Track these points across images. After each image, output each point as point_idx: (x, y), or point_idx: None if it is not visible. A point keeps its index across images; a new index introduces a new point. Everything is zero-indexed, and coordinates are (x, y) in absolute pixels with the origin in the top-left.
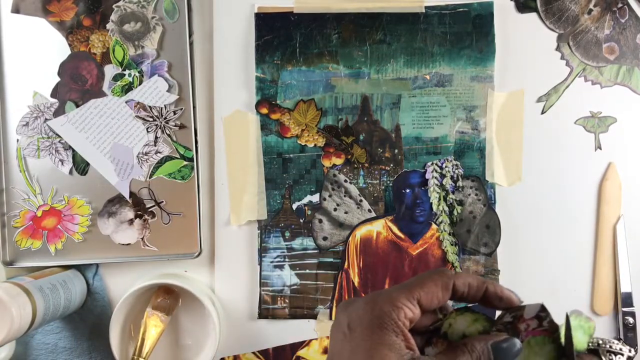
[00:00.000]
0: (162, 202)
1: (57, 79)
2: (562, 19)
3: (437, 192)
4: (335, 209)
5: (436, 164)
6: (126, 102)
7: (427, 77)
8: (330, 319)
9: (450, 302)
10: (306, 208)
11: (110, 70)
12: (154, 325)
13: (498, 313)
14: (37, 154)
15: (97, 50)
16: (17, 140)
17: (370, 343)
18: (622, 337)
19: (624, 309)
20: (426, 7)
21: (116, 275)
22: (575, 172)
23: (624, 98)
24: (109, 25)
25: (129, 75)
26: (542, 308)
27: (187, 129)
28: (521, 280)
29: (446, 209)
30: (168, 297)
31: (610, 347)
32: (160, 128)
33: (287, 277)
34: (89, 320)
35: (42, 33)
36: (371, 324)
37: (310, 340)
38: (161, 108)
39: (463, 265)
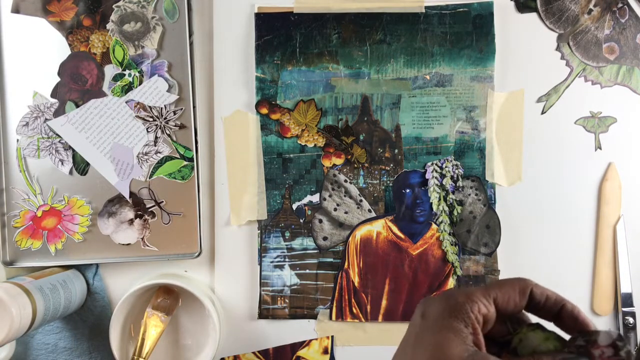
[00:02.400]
0: (162, 202)
1: (57, 79)
2: (562, 19)
3: (437, 192)
4: (335, 209)
5: (436, 164)
6: (126, 102)
7: (427, 77)
8: (330, 319)
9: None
10: (306, 208)
11: (110, 70)
12: (154, 325)
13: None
14: (37, 154)
15: (97, 50)
16: (17, 140)
17: (438, 327)
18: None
19: (624, 309)
20: (426, 7)
21: (116, 275)
22: (575, 172)
23: (624, 98)
24: (109, 25)
25: (129, 75)
26: (620, 337)
27: (187, 129)
28: None
29: (446, 209)
30: (168, 297)
31: None
32: (160, 128)
33: (287, 277)
34: (89, 320)
35: (42, 33)
36: (443, 312)
37: (310, 340)
38: (161, 108)
39: (463, 265)
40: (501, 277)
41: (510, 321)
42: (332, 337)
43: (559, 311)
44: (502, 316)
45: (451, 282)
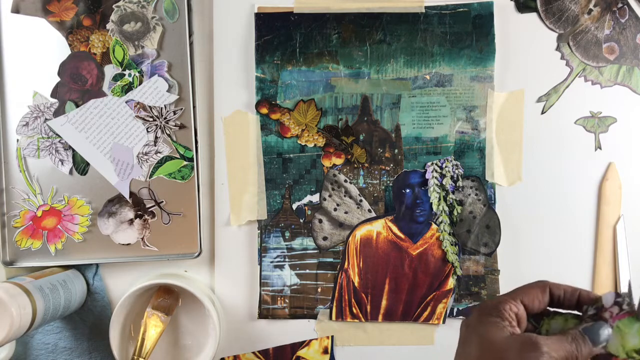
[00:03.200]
0: (162, 202)
1: (57, 79)
2: (562, 19)
3: (437, 192)
4: (335, 209)
5: (436, 164)
6: (126, 102)
7: (427, 77)
8: (330, 319)
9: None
10: (306, 208)
11: (110, 70)
12: (154, 325)
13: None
14: (37, 154)
15: (97, 50)
16: (17, 140)
17: (479, 325)
18: None
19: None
20: (426, 7)
21: (116, 275)
22: (575, 172)
23: (624, 98)
24: (109, 25)
25: (129, 75)
26: (617, 294)
27: (187, 129)
28: (521, 280)
29: (446, 209)
30: (168, 297)
31: None
32: (160, 128)
33: (287, 277)
34: (89, 320)
35: (42, 33)
36: (480, 315)
37: (310, 340)
38: (161, 108)
39: (463, 265)
40: (501, 277)
41: (533, 319)
42: (332, 337)
43: (577, 299)
44: (527, 316)
45: (451, 282)
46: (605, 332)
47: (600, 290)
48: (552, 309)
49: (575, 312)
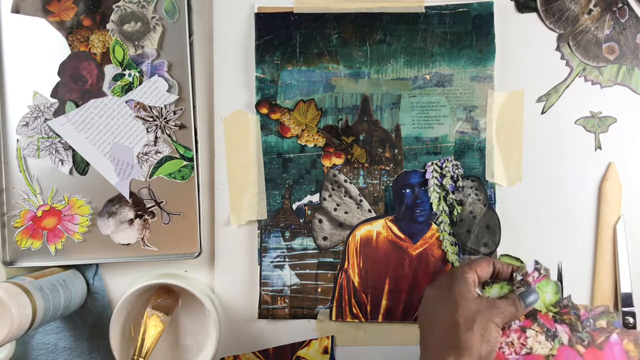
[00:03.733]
0: (162, 202)
1: (57, 79)
2: (562, 19)
3: (437, 192)
4: (335, 209)
5: (436, 164)
6: (126, 102)
7: (427, 77)
8: (330, 319)
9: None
10: (306, 208)
11: (110, 70)
12: (154, 325)
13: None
14: (37, 154)
15: (97, 50)
16: (17, 140)
17: (452, 286)
18: None
19: (624, 309)
20: (426, 7)
21: (116, 275)
22: (575, 172)
23: (624, 98)
24: (109, 25)
25: (129, 75)
26: (536, 262)
27: (187, 129)
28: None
29: (446, 209)
30: (168, 297)
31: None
32: (160, 128)
33: (287, 277)
34: (89, 320)
35: (42, 33)
36: (452, 280)
37: (310, 340)
38: (161, 108)
39: None
40: None
41: (481, 284)
42: (332, 337)
43: (511, 273)
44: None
45: None
46: (534, 295)
47: (601, 290)
48: (489, 280)
49: (506, 282)
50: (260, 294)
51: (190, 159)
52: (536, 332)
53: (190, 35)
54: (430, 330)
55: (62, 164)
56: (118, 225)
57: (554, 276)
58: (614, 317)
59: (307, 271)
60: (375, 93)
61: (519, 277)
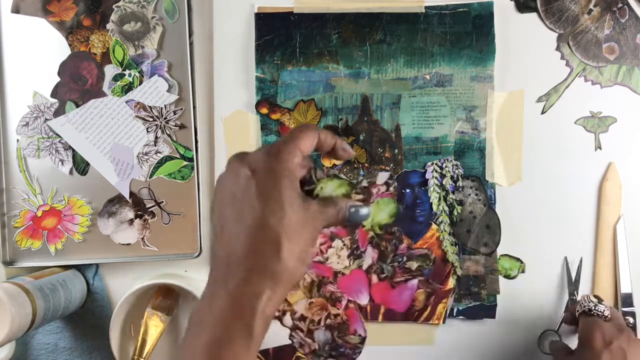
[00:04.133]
0: (162, 202)
1: (57, 79)
2: (562, 19)
3: (437, 192)
4: None
5: (436, 164)
6: (126, 102)
7: (427, 77)
8: None
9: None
10: None
11: (110, 70)
12: (154, 325)
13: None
14: (37, 154)
15: (97, 50)
16: (17, 140)
17: (273, 172)
18: None
19: (624, 309)
20: (426, 7)
21: (116, 275)
22: (575, 172)
23: (624, 98)
24: (109, 25)
25: (129, 75)
26: (390, 176)
27: (187, 129)
28: (521, 280)
29: (446, 209)
30: (168, 297)
31: None
32: (160, 128)
33: None
34: (89, 320)
35: (42, 33)
36: (272, 167)
37: None
38: (161, 108)
39: (463, 265)
40: (501, 277)
41: (315, 173)
42: None
43: (334, 145)
44: (308, 166)
45: (451, 282)
46: (365, 212)
47: (601, 290)
48: (333, 174)
49: (347, 182)
50: None
51: (190, 159)
52: (343, 245)
53: (190, 35)
54: (235, 235)
55: (62, 164)
56: (118, 225)
57: (556, 273)
58: (429, 265)
59: None
60: (375, 93)
61: (364, 183)
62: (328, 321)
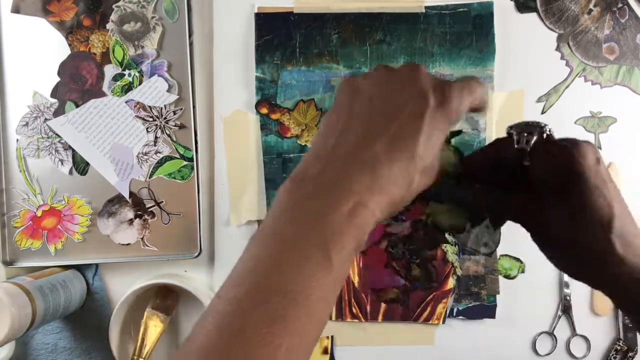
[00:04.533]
0: (162, 202)
1: (57, 79)
2: (562, 19)
3: None
4: None
5: None
6: (126, 102)
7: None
8: (330, 319)
9: None
10: None
11: (110, 70)
12: (154, 325)
13: None
14: (37, 154)
15: (97, 50)
16: (17, 140)
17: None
18: (622, 337)
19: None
20: (426, 7)
21: (116, 275)
22: None
23: (624, 98)
24: (109, 25)
25: (129, 75)
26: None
27: (187, 129)
28: (521, 280)
29: None
30: (168, 297)
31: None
32: (160, 128)
33: None
34: (89, 320)
35: (42, 33)
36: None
37: None
38: (161, 108)
39: (463, 265)
40: (501, 277)
41: None
42: (332, 337)
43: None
44: None
45: (451, 282)
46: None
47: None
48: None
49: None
50: None
51: (190, 159)
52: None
53: (190, 35)
54: (370, 113)
55: (62, 164)
56: (118, 225)
57: (556, 273)
58: (423, 281)
59: None
60: None
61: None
62: None
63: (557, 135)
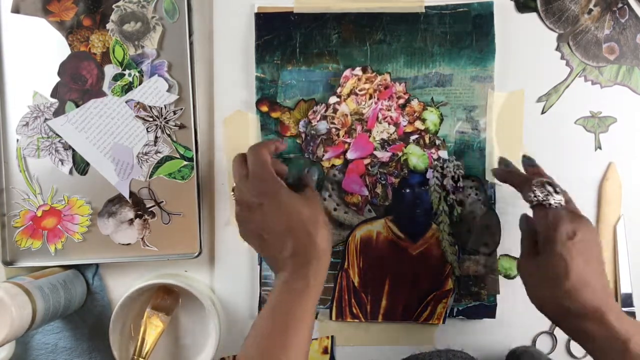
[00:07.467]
0: (162, 202)
1: (57, 79)
2: (562, 19)
3: (438, 192)
4: (335, 209)
5: (438, 164)
6: (126, 102)
7: (427, 77)
8: (330, 319)
9: None
10: None
11: (110, 70)
12: (154, 325)
13: None
14: (37, 154)
15: (97, 50)
16: (17, 140)
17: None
18: None
19: (624, 309)
20: (426, 7)
21: (116, 275)
22: (575, 172)
23: (624, 98)
24: (109, 25)
25: (129, 75)
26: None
27: (187, 129)
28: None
29: (446, 209)
30: (168, 297)
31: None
32: (160, 128)
33: None
34: (89, 320)
35: (42, 33)
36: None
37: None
38: (161, 108)
39: (463, 265)
40: (501, 277)
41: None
42: (332, 337)
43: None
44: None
45: (451, 282)
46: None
47: None
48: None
49: None
50: (260, 294)
51: (190, 159)
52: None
53: (190, 35)
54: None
55: (62, 164)
56: (118, 225)
57: None
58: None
59: None
60: None
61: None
62: None
63: (557, 135)
